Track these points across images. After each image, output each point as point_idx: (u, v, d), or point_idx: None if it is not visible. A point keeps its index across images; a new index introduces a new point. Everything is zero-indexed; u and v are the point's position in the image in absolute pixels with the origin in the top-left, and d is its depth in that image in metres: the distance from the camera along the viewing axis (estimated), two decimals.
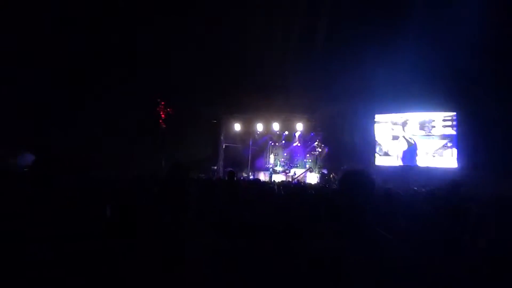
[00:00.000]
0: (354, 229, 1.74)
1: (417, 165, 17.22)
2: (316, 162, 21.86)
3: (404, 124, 18.28)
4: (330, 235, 1.77)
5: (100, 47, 13.95)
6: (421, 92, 15.67)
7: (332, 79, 15.69)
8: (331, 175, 17.15)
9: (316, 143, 21.98)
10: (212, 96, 17.76)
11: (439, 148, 17.57)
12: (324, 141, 20.37)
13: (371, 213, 1.77)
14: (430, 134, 17.90)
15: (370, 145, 18.16)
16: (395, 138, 18.59)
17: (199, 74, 16.06)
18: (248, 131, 21.38)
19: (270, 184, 9.86)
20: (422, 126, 17.99)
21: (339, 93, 16.33)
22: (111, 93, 14.68)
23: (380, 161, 18.18)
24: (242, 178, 17.33)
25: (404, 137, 18.39)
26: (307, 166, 21.66)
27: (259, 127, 20.59)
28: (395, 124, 18.64)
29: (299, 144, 23.19)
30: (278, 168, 21.92)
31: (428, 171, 16.39)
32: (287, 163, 22.86)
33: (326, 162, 20.27)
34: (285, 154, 24.54)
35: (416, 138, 18.05)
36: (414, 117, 18.06)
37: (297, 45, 15.56)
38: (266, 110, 19.70)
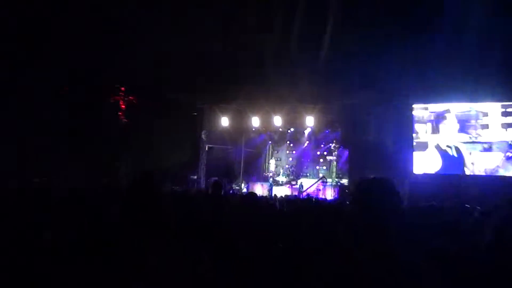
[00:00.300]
0: (371, 260, 1.76)
1: (466, 174, 17.15)
2: (332, 170, 21.90)
3: (440, 117, 17.56)
4: (344, 268, 1.80)
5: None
6: (471, 73, 15.39)
7: (354, 57, 15.71)
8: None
9: (333, 144, 22.02)
10: (191, 80, 17.70)
11: (498, 165, 16.26)
12: (344, 141, 20.44)
13: (397, 239, 1.80)
14: (477, 140, 16.65)
15: (406, 146, 18.21)
16: (421, 147, 17.76)
17: (172, 49, 15.99)
18: (240, 127, 21.43)
19: (270, 200, 9.88)
20: (465, 126, 16.95)
21: (364, 76, 16.34)
22: (44, 71, 14.54)
23: (421, 167, 18.01)
24: (231, 192, 17.35)
25: (438, 146, 17.44)
26: (320, 175, 21.73)
27: (255, 121, 20.61)
28: (419, 121, 17.84)
29: (306, 143, 23.21)
30: (281, 178, 21.97)
31: (486, 181, 16.30)
32: (292, 171, 22.78)
33: (346, 170, 20.41)
34: (290, 159, 24.42)
35: (460, 146, 16.98)
36: (456, 109, 17.38)
37: (307, 13, 15.57)
38: (265, 99, 19.68)
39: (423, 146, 17.77)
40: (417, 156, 17.83)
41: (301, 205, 7.97)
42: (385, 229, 1.75)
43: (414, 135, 17.97)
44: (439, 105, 17.71)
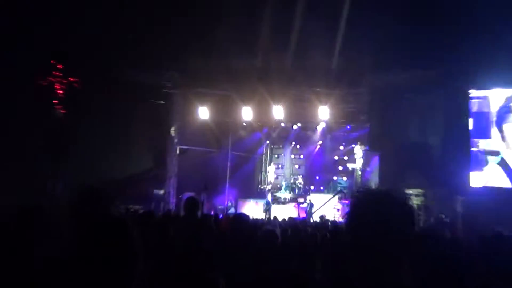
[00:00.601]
0: None
1: None
2: (356, 182, 21.74)
3: (504, 112, 16.75)
4: None
5: None
6: None
7: (390, 22, 15.73)
8: None
9: (357, 146, 21.91)
10: (154, 52, 17.63)
11: None
12: (373, 142, 20.48)
13: None
14: None
15: (460, 149, 18.21)
16: (477, 163, 17.15)
17: (130, 13, 15.95)
18: (226, 121, 21.51)
19: (267, 225, 9.85)
20: None
21: (404, 49, 16.33)
22: None
23: (480, 180, 17.85)
24: (213, 213, 17.30)
25: (505, 164, 16.46)
26: (338, 189, 21.57)
27: (247, 113, 20.54)
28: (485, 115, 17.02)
29: (319, 145, 23.08)
30: (283, 194, 22.09)
31: None
32: (299, 184, 22.80)
33: (376, 183, 20.28)
34: (296, 166, 24.63)
35: None
36: None
37: None
38: (260, 82, 19.69)
39: (478, 160, 17.14)
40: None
41: (312, 233, 7.94)
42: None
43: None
44: (497, 91, 17.24)
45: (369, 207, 1.81)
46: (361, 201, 1.86)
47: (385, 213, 1.76)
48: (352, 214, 1.84)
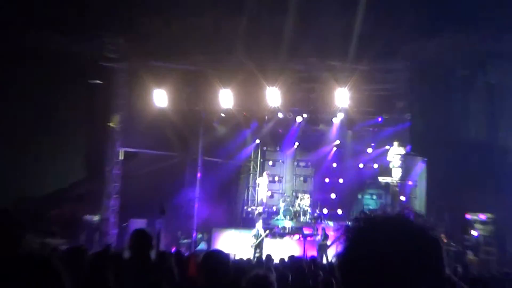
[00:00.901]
0: None
1: None
2: (394, 201, 21.76)
3: None
4: None
5: None
6: None
7: None
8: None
9: (393, 147, 21.91)
10: (91, 12, 17.69)
11: None
12: (417, 142, 20.53)
13: None
14: None
15: None
16: None
17: None
18: (194, 111, 21.75)
19: (256, 268, 9.77)
20: None
21: (458, 8, 16.42)
22: None
23: None
24: (174, 250, 17.27)
25: None
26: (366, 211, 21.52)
27: (226, 99, 20.68)
28: None
29: (335, 146, 23.21)
30: (282, 222, 22.44)
31: None
32: (304, 209, 23.16)
33: (422, 203, 20.41)
34: (300, 178, 24.95)
35: None
36: None
37: None
38: (247, 52, 19.70)
39: None
40: None
41: (325, 280, 7.94)
42: None
43: None
44: None
45: (365, 241, 1.74)
46: (355, 233, 1.79)
47: (387, 251, 1.66)
48: (342, 251, 1.77)
